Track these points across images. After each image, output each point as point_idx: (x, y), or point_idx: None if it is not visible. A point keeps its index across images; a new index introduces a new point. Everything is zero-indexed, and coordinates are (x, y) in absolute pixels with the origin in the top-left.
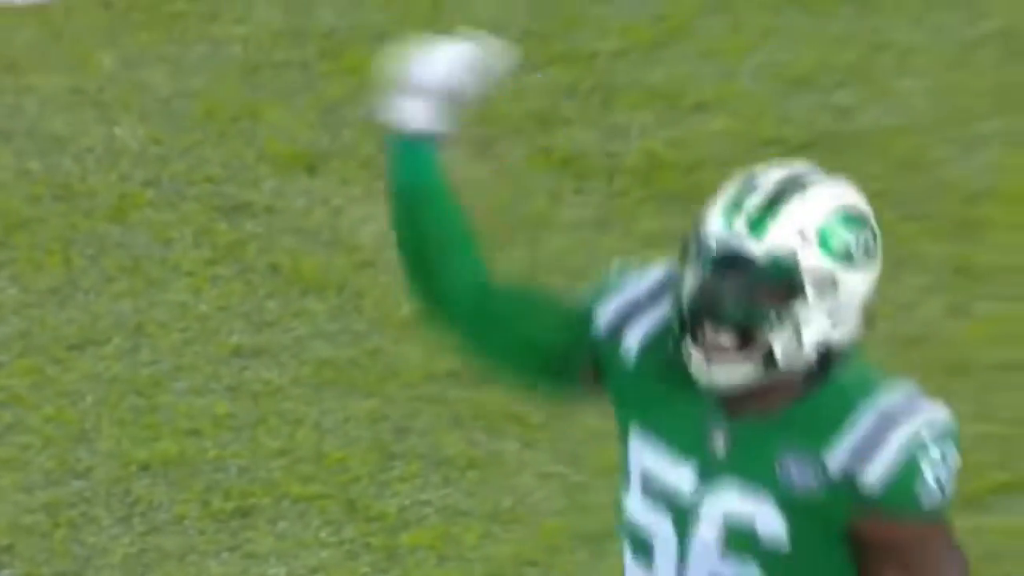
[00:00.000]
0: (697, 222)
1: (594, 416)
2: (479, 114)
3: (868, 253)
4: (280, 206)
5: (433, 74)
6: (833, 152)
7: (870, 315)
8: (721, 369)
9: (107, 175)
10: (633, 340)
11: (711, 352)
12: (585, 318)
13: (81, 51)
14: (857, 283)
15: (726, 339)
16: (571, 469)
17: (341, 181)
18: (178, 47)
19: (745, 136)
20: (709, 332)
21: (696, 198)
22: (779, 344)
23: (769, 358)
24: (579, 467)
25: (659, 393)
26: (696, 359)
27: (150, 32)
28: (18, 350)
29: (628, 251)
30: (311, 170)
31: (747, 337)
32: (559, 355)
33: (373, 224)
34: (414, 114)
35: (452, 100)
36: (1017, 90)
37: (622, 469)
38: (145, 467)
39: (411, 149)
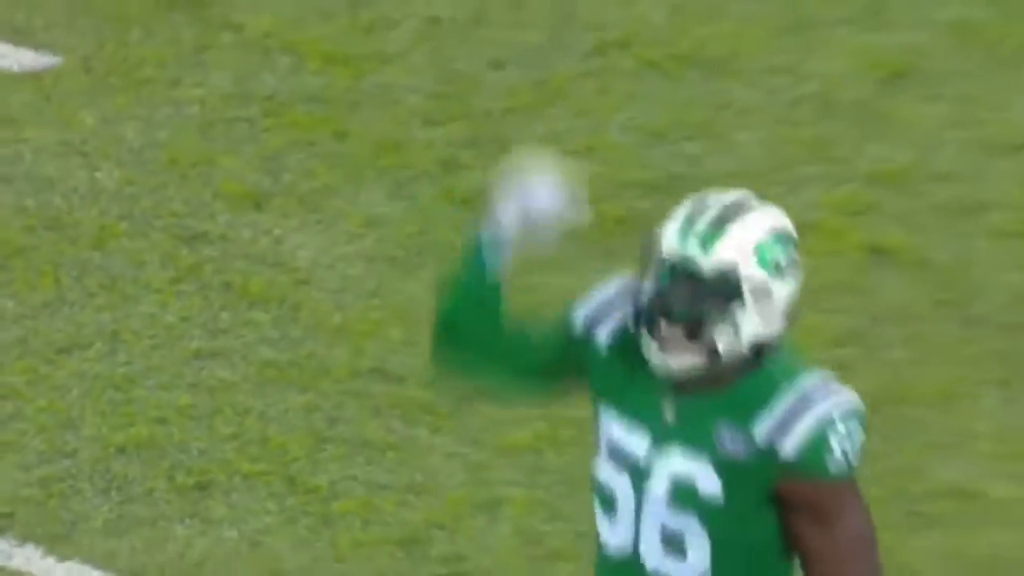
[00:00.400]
0: (655, 239)
1: (492, 406)
2: (397, 159)
3: (794, 266)
4: (231, 235)
5: (530, 202)
6: (684, 193)
7: (791, 314)
8: (673, 358)
9: (89, 210)
10: (603, 336)
11: (666, 344)
12: (567, 328)
13: (68, 110)
14: (785, 290)
15: (678, 334)
16: (472, 450)
17: (281, 215)
18: (147, 107)
19: (612, 179)
20: (664, 328)
21: (577, 232)
22: (721, 339)
23: (713, 350)
24: (478, 448)
25: (623, 376)
26: (653, 349)
27: (124, 95)
28: (16, 353)
29: (515, 273)
30: (257, 206)
31: (695, 333)
32: (555, 368)
33: (307, 250)
34: (510, 226)
35: (532, 228)
36: (831, 141)
37: (595, 442)
38: (121, 449)
39: (493, 248)
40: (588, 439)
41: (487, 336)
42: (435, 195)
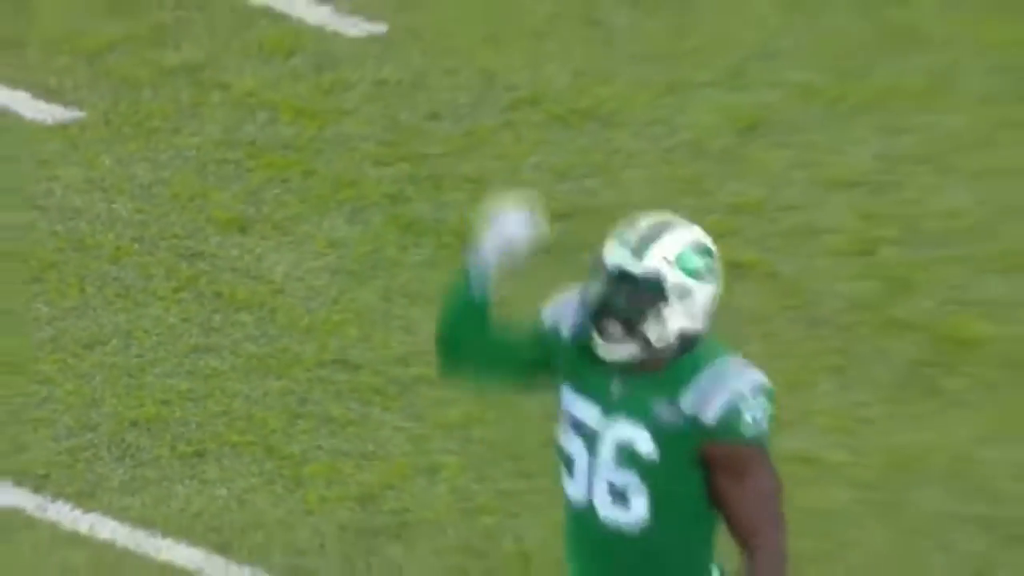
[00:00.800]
0: (599, 252)
1: (432, 389)
2: (353, 193)
3: (711, 273)
4: (221, 254)
5: (505, 234)
6: (584, 220)
7: (711, 314)
8: (615, 348)
9: (107, 234)
10: (565, 331)
11: (609, 338)
12: (538, 330)
13: (91, 154)
14: (705, 292)
15: (617, 328)
16: (415, 425)
17: (261, 237)
18: (154, 151)
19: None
20: (607, 324)
21: None
22: (653, 332)
23: (646, 342)
24: (420, 424)
25: (580, 361)
26: (598, 342)
27: (135, 142)
28: (49, 348)
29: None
30: (242, 230)
31: (632, 328)
32: (533, 365)
33: (282, 265)
34: (491, 255)
35: (510, 254)
36: (700, 179)
37: (558, 417)
38: (134, 423)
39: (479, 275)
40: (508, 418)
41: (479, 345)
42: (384, 221)
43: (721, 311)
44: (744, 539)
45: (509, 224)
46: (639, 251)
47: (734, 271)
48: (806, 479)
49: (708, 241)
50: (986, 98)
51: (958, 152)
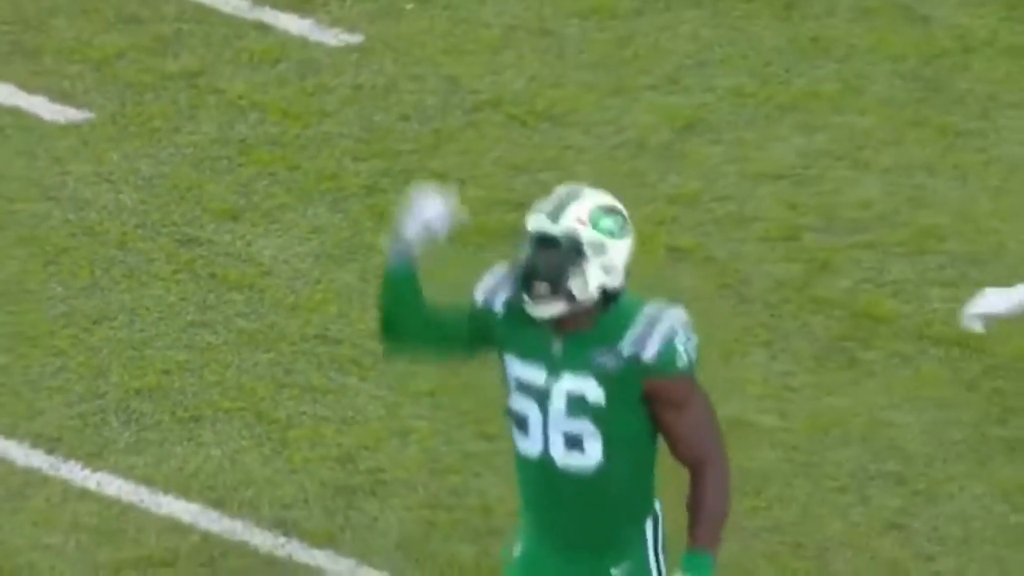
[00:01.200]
0: (525, 222)
1: (403, 363)
2: (334, 185)
3: (623, 230)
4: (215, 239)
5: (424, 217)
6: None
7: (628, 271)
8: (543, 307)
9: (115, 222)
10: (499, 306)
11: (536, 297)
12: (471, 309)
13: (100, 150)
14: (618, 248)
15: (544, 288)
16: (389, 393)
17: (251, 225)
18: (156, 148)
19: (487, 199)
20: (535, 285)
21: (463, 238)
22: (575, 288)
23: (571, 297)
24: (393, 392)
25: (519, 328)
26: (529, 302)
27: (140, 140)
28: (63, 323)
29: (422, 268)
30: (234, 219)
31: (556, 286)
32: (469, 339)
33: (269, 250)
34: (412, 237)
35: (429, 234)
36: (643, 173)
37: (503, 383)
38: (138, 392)
39: (404, 254)
40: (472, 387)
41: (417, 321)
42: (361, 210)
43: (663, 290)
44: (691, 462)
45: (428, 209)
46: (555, 215)
47: (673, 255)
48: (739, 441)
49: (615, 203)
50: (891, 101)
51: (869, 149)
